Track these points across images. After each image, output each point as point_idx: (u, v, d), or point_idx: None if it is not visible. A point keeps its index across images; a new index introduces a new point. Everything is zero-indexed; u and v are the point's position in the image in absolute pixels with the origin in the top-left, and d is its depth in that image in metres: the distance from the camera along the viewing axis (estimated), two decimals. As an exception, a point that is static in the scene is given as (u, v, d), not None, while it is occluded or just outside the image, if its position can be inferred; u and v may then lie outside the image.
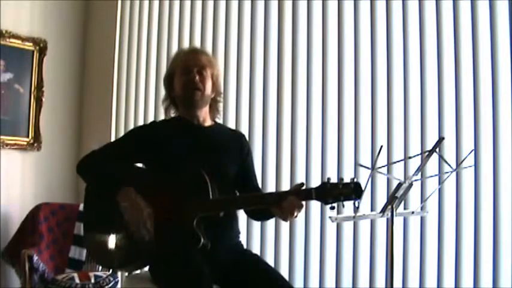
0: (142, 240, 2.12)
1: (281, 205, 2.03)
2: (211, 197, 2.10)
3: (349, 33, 3.19)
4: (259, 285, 2.12)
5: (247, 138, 2.53)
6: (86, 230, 2.35)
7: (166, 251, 2.12)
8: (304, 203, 2.03)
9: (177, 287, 2.02)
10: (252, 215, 2.47)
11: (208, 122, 2.38)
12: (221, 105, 2.46)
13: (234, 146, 2.39)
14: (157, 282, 2.17)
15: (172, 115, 2.42)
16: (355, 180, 1.99)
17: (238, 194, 2.38)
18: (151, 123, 2.52)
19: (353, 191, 1.97)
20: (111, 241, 2.23)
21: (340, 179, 2.01)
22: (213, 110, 2.41)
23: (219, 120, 2.50)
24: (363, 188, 1.97)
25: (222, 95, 2.46)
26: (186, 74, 2.30)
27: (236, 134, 2.51)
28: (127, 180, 2.19)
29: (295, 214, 2.04)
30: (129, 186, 2.16)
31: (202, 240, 2.06)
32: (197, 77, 2.29)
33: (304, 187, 2.07)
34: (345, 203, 2.00)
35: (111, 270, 3.49)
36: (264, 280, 2.13)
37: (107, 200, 2.20)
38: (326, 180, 2.01)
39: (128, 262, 2.24)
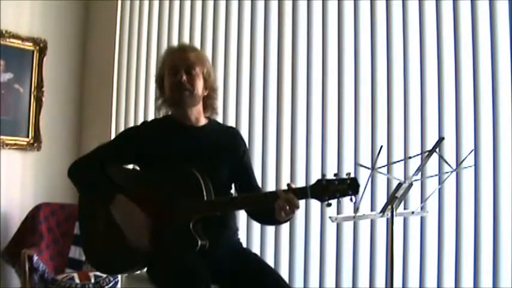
0: (139, 246, 2.11)
1: (276, 204, 1.97)
2: (205, 197, 2.07)
3: (349, 33, 3.18)
4: (258, 285, 2.12)
5: (242, 136, 2.45)
6: (82, 235, 2.34)
7: (164, 253, 2.11)
8: (300, 202, 1.98)
9: (175, 288, 2.02)
10: (256, 218, 2.42)
11: (201, 121, 2.32)
12: (217, 102, 2.38)
13: (227, 145, 2.32)
14: (155, 283, 2.16)
15: (164, 114, 2.38)
16: (351, 175, 1.93)
17: (235, 194, 2.35)
18: (142, 123, 2.46)
19: (349, 186, 1.91)
20: (108, 246, 2.22)
21: (335, 175, 1.95)
22: (208, 107, 2.34)
23: (218, 118, 2.45)
24: (360, 183, 1.91)
25: (216, 91, 2.37)
26: (174, 75, 2.24)
27: (231, 132, 2.43)
28: (119, 186, 2.16)
29: (291, 214, 1.98)
30: (120, 192, 2.14)
31: (199, 242, 2.04)
32: (184, 77, 2.22)
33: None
34: (342, 199, 1.93)
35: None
36: (263, 280, 2.13)
37: (100, 207, 2.18)
38: (321, 177, 1.95)
39: (126, 266, 2.24)
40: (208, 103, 2.34)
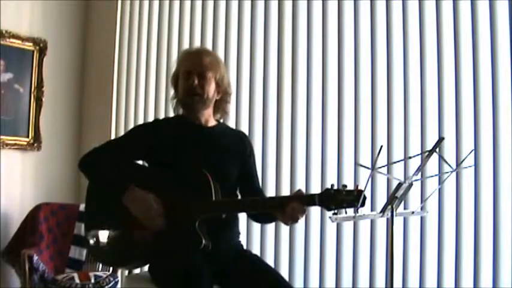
0: (157, 225, 2.11)
1: (284, 210, 2.04)
2: (213, 198, 2.09)
3: (349, 33, 3.18)
4: (259, 286, 2.12)
5: (250, 140, 2.51)
6: (88, 228, 2.34)
7: (167, 251, 2.12)
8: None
9: (177, 287, 2.01)
10: (254, 218, 2.46)
11: (211, 123, 2.36)
12: (229, 105, 2.41)
13: (236, 147, 2.37)
14: (157, 282, 2.17)
15: (177, 113, 2.41)
16: (359, 187, 1.99)
17: (239, 195, 2.37)
18: (154, 121, 2.51)
19: (356, 198, 1.98)
20: (114, 239, 2.22)
21: (343, 186, 2.01)
22: (219, 110, 2.38)
23: (223, 120, 2.48)
24: (365, 195, 1.98)
25: (230, 95, 2.40)
26: (187, 79, 2.28)
27: (239, 135, 2.49)
28: (130, 181, 2.17)
29: (298, 219, 2.05)
30: (132, 183, 2.15)
31: (203, 241, 2.06)
32: (196, 82, 2.26)
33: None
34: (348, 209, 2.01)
35: (111, 269, 3.49)
36: (264, 280, 2.13)
37: (110, 199, 2.19)
38: (330, 186, 2.02)
39: (130, 260, 2.24)
40: (221, 107, 2.38)
